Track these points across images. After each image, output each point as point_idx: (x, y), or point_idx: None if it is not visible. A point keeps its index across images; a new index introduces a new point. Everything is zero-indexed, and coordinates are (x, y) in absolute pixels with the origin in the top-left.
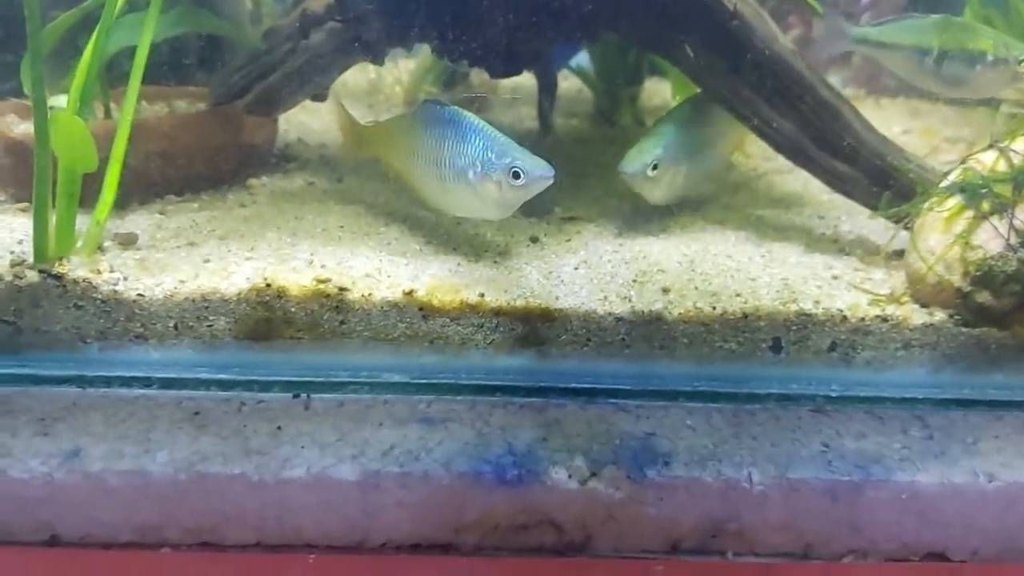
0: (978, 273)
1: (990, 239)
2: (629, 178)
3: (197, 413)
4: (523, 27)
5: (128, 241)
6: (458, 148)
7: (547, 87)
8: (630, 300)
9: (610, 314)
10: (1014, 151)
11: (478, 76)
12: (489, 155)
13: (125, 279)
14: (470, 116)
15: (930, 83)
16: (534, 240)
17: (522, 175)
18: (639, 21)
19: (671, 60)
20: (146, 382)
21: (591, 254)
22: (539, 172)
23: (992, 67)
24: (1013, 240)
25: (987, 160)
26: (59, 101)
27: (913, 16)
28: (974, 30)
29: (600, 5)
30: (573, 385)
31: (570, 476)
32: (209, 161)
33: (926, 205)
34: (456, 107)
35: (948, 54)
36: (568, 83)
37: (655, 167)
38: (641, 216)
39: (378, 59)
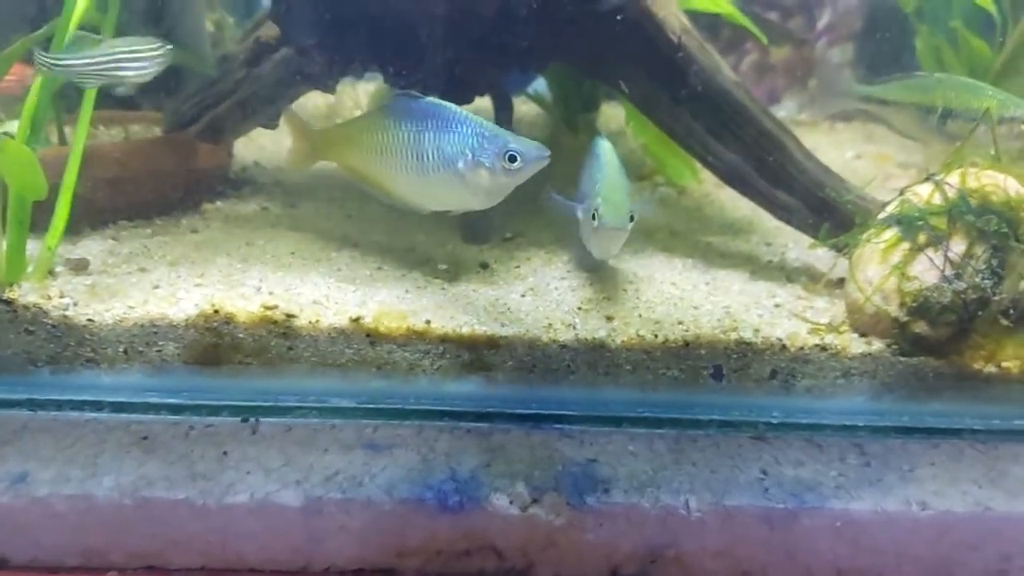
0: (914, 304)
1: (926, 270)
2: (610, 232)
3: (145, 437)
4: (466, 58)
5: (79, 267)
6: (443, 138)
7: (503, 113)
8: (574, 328)
9: (554, 341)
10: (949, 184)
11: None
12: (480, 141)
13: (75, 304)
14: (449, 105)
15: (933, 140)
16: (483, 266)
17: (518, 158)
18: (581, 51)
19: (616, 90)
20: (96, 406)
21: (539, 281)
22: (536, 153)
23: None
24: (948, 272)
25: (924, 192)
26: (12, 127)
27: (917, 75)
28: (977, 89)
29: (542, 35)
30: (519, 411)
31: (511, 502)
32: (160, 187)
33: (864, 236)
34: (433, 98)
35: (951, 112)
36: (527, 107)
37: (632, 219)
38: None
39: (327, 88)
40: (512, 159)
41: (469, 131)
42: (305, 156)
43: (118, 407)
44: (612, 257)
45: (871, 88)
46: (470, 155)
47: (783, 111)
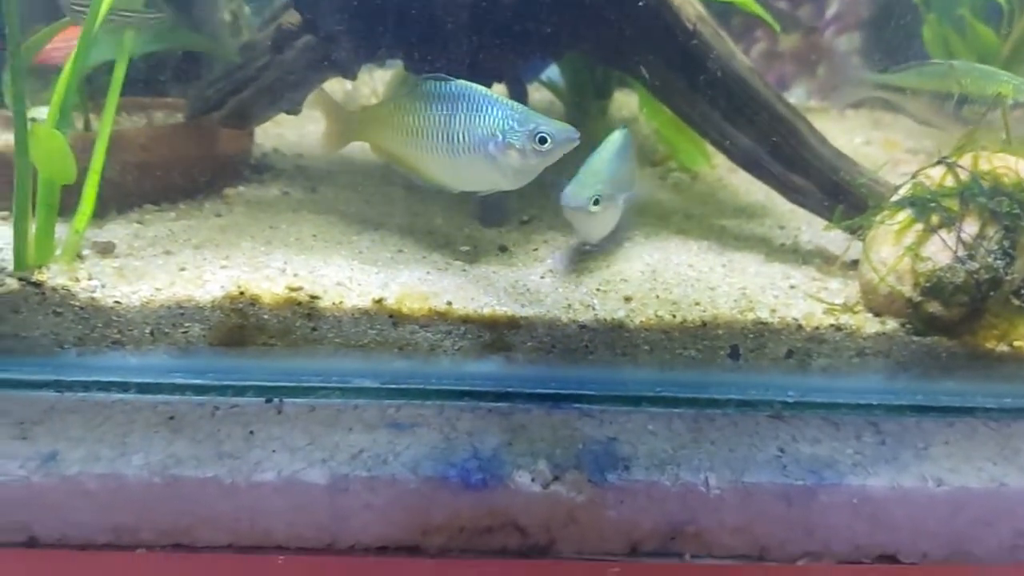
0: (928, 284)
1: (939, 251)
2: (571, 212)
3: (172, 417)
4: (488, 45)
5: (106, 250)
6: (474, 120)
7: (517, 99)
8: (593, 308)
9: (574, 322)
10: (961, 167)
11: None
12: (511, 123)
13: (103, 286)
14: (479, 88)
15: (950, 126)
16: (503, 249)
17: (549, 139)
18: (601, 39)
19: (632, 76)
20: (123, 387)
21: (557, 263)
22: (565, 135)
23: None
24: (961, 252)
25: (936, 175)
26: (40, 113)
27: (932, 62)
28: (993, 75)
29: (563, 23)
30: (539, 390)
31: (533, 480)
32: (185, 172)
33: (878, 218)
34: (462, 80)
35: (968, 98)
36: (540, 95)
37: (596, 202)
38: None
39: (350, 75)
40: (543, 141)
41: (499, 113)
42: (338, 137)
43: (144, 388)
44: (595, 241)
45: (886, 76)
46: (500, 137)
47: (792, 98)
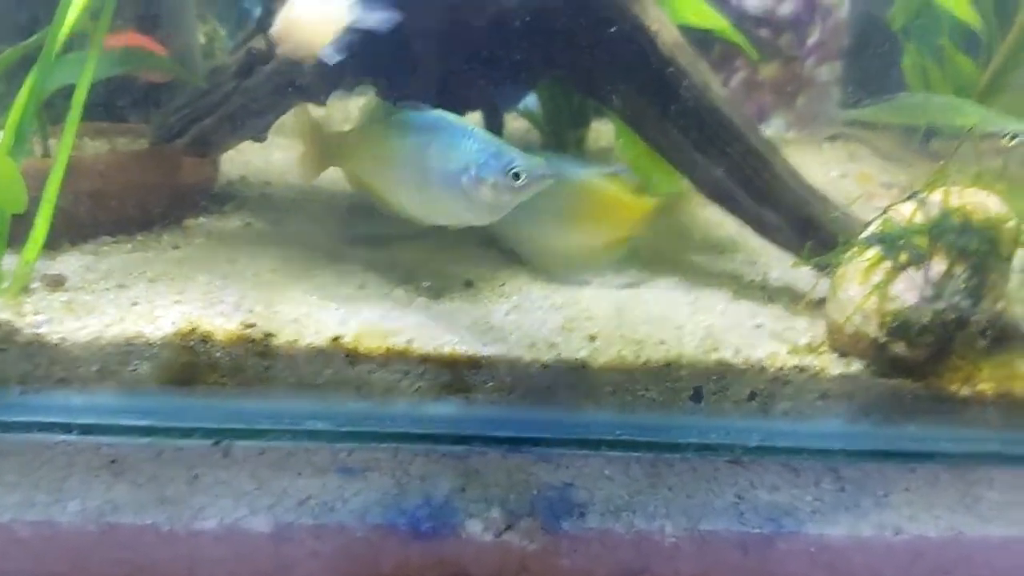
0: (894, 324)
1: (906, 290)
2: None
3: (114, 461)
4: (459, 72)
5: (56, 282)
6: (448, 152)
7: (494, 129)
8: (557, 347)
9: (536, 361)
10: (932, 202)
11: None
12: (485, 156)
13: (49, 321)
14: (455, 118)
15: (916, 160)
16: (468, 284)
17: (523, 175)
18: (574, 66)
19: (606, 105)
20: (66, 428)
21: (523, 299)
22: (540, 171)
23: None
24: (928, 292)
25: (907, 211)
26: None
27: (900, 96)
28: (960, 107)
29: (535, 49)
30: (496, 434)
31: (485, 528)
32: (143, 201)
33: (847, 255)
34: (440, 111)
35: (934, 132)
36: (518, 123)
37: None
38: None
39: (317, 101)
40: (516, 176)
41: (474, 146)
42: (316, 162)
43: (88, 429)
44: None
45: (856, 112)
46: (473, 171)
47: (771, 129)
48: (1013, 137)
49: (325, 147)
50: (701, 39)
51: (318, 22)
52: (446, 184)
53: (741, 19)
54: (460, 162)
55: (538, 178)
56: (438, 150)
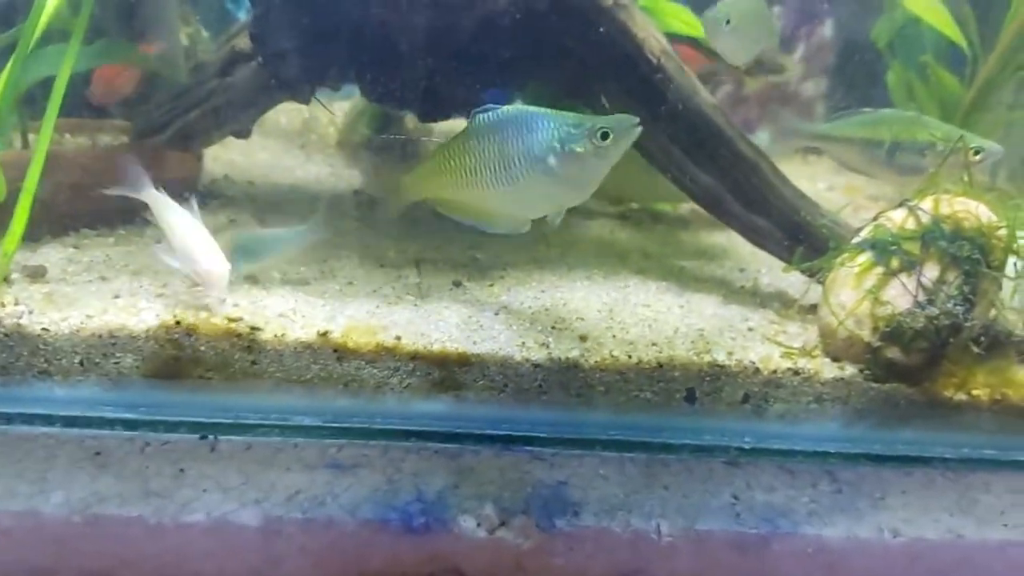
0: (887, 329)
1: (899, 296)
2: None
3: (98, 453)
4: (444, 72)
5: (36, 274)
6: (528, 138)
7: None
8: (548, 347)
9: (527, 360)
10: (922, 210)
11: (413, 119)
12: (567, 129)
13: (31, 313)
14: (526, 107)
15: (883, 173)
16: (457, 284)
17: (610, 132)
18: (562, 68)
19: (592, 108)
20: (48, 420)
21: (512, 299)
22: (626, 123)
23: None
24: (921, 297)
25: (897, 218)
26: None
27: (864, 111)
28: (923, 122)
29: (522, 51)
30: (489, 432)
31: (479, 525)
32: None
33: (838, 260)
34: (510, 106)
35: (899, 145)
36: None
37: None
38: (566, 264)
39: (301, 98)
40: (604, 136)
41: (552, 124)
42: (396, 203)
43: (71, 421)
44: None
45: (822, 125)
46: (559, 146)
47: (757, 142)
48: (977, 152)
49: (403, 188)
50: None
51: None
52: (535, 170)
53: None
54: (543, 143)
55: (624, 132)
56: (518, 140)
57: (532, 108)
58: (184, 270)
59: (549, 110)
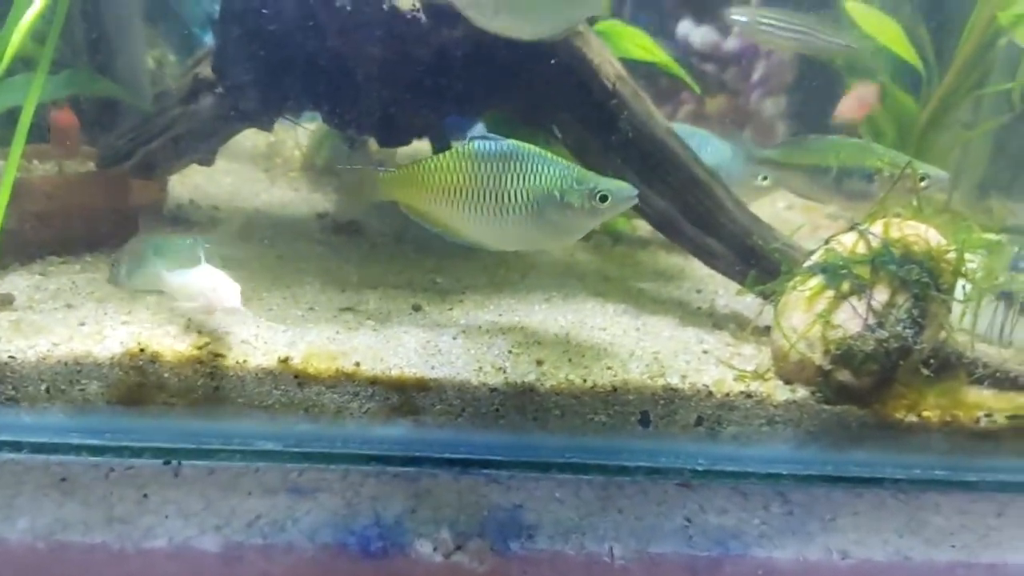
0: (838, 352)
1: (849, 319)
2: None
3: (64, 479)
4: (401, 101)
5: (4, 302)
6: (529, 178)
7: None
8: (504, 371)
9: (484, 384)
10: (872, 234)
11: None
12: (570, 182)
13: None
14: (530, 147)
15: (830, 198)
16: (416, 308)
17: (609, 197)
18: (517, 96)
19: (549, 135)
20: (15, 446)
21: (471, 323)
22: (624, 193)
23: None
24: (871, 320)
25: (848, 242)
26: None
27: (810, 137)
28: (869, 149)
29: (477, 79)
30: (447, 455)
31: (435, 549)
32: (90, 223)
33: (790, 284)
34: (513, 140)
35: (847, 171)
36: None
37: None
38: (525, 287)
39: (262, 126)
40: (603, 199)
41: (556, 172)
42: (368, 195)
43: (37, 448)
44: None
45: (768, 152)
46: (558, 196)
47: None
48: (923, 179)
49: (377, 182)
50: (647, 73)
51: None
52: (527, 211)
53: (686, 54)
54: (543, 189)
55: (622, 200)
56: (517, 177)
57: (534, 148)
58: (200, 304)
59: (550, 154)
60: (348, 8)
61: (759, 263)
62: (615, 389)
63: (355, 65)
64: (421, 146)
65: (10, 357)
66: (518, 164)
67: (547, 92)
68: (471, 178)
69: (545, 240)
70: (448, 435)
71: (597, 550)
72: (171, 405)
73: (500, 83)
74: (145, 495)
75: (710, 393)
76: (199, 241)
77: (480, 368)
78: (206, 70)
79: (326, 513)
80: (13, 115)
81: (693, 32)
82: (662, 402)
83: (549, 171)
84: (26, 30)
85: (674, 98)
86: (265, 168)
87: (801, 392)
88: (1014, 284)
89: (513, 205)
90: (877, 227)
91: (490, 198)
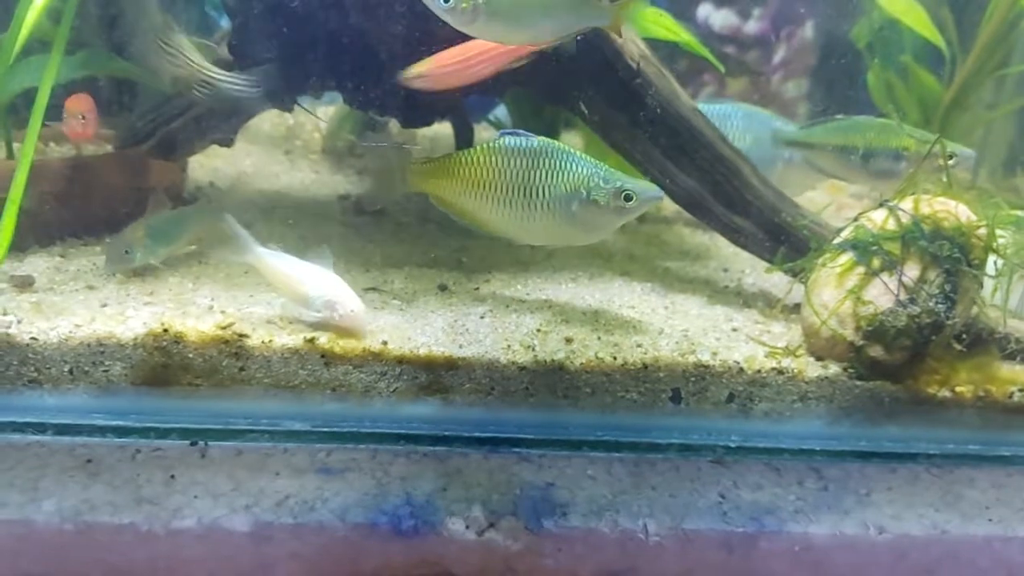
0: (870, 328)
1: (880, 295)
2: None
3: (90, 461)
4: None
5: (24, 283)
6: (557, 175)
7: (463, 138)
8: (533, 349)
9: (513, 363)
10: (902, 210)
11: (396, 124)
12: (597, 180)
13: (19, 322)
14: (560, 144)
15: (858, 178)
16: (442, 288)
17: (634, 197)
18: (541, 76)
19: (573, 113)
20: (39, 428)
21: (498, 303)
22: (650, 193)
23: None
24: (902, 296)
25: (878, 218)
26: None
27: (837, 118)
28: (895, 130)
29: None
30: (476, 434)
31: (468, 527)
32: (110, 204)
33: (820, 261)
34: (543, 137)
35: (873, 151)
36: (487, 133)
37: None
38: (551, 266)
39: (284, 106)
40: (628, 198)
41: (584, 170)
42: (399, 185)
43: (62, 429)
44: None
45: (796, 133)
46: (584, 194)
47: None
48: (950, 156)
49: (409, 172)
50: (668, 53)
51: None
52: (555, 207)
53: (708, 37)
54: (571, 186)
55: (647, 200)
56: (546, 174)
57: (563, 146)
58: (322, 317)
59: (581, 153)
60: None
61: (788, 241)
62: (645, 366)
63: (377, 44)
64: (441, 128)
65: (32, 339)
66: (547, 161)
67: (571, 72)
68: (500, 173)
69: (570, 236)
70: (477, 414)
71: (631, 527)
72: (196, 386)
73: (524, 62)
74: (172, 476)
75: (741, 370)
76: (229, 218)
77: (509, 346)
78: (223, 51)
79: (356, 493)
80: (29, 96)
81: (714, 15)
82: (693, 379)
83: (577, 168)
84: (41, 8)
85: (694, 80)
86: (285, 150)
87: (833, 368)
88: None
89: (541, 201)
90: (907, 203)
91: (518, 193)
